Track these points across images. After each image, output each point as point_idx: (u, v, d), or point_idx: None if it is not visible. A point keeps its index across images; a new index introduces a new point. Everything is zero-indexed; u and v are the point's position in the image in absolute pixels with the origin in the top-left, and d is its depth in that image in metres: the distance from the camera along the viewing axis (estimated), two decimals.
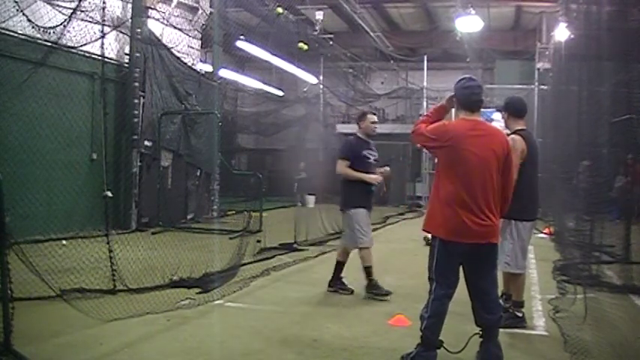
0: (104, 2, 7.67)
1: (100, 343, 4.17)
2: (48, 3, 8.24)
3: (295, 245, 9.02)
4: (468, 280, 3.75)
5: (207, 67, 14.22)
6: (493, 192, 3.62)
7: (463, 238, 3.59)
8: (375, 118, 6.20)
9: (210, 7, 12.90)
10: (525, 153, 4.70)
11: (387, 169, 6.25)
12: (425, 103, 20.93)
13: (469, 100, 3.74)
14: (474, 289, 3.73)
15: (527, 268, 5.21)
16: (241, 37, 13.18)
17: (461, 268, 3.75)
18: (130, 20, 10.67)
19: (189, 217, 12.65)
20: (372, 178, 5.84)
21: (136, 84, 10.90)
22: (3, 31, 8.13)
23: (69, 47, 8.83)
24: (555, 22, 13.28)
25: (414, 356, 3.74)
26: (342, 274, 6.12)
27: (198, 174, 13.09)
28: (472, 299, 3.74)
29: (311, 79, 19.87)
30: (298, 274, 7.26)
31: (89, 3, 8.01)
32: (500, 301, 4.74)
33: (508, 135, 4.63)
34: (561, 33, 11.05)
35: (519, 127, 4.86)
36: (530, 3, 16.50)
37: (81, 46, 8.77)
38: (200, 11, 12.73)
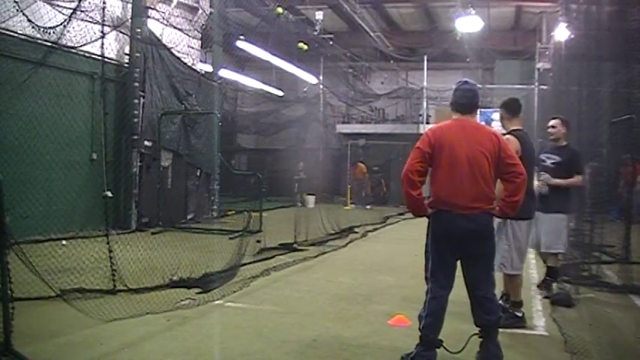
0: (104, 2, 7.66)
1: (100, 343, 4.17)
2: (48, 3, 8.25)
3: (295, 245, 9.02)
4: (466, 280, 3.76)
5: (207, 67, 14.22)
6: (485, 182, 3.64)
7: (454, 233, 3.65)
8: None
9: (210, 7, 12.91)
10: (520, 153, 4.72)
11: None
12: (425, 103, 20.93)
13: (457, 103, 3.87)
14: (471, 290, 3.74)
15: (524, 269, 5.20)
16: (241, 37, 13.19)
17: (460, 269, 3.77)
18: (130, 20, 10.67)
19: (189, 217, 12.65)
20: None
21: (136, 84, 10.90)
22: (3, 31, 8.13)
23: (69, 47, 8.84)
24: (555, 22, 13.26)
25: (413, 356, 3.75)
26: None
27: (198, 174, 13.08)
28: (470, 300, 3.75)
29: (311, 79, 19.87)
30: (298, 274, 7.26)
31: (89, 3, 8.02)
32: (500, 301, 4.75)
33: (503, 135, 4.66)
34: (561, 33, 11.03)
35: (514, 127, 4.93)
36: (530, 3, 16.51)
37: (81, 46, 8.78)
38: (200, 11, 12.73)
